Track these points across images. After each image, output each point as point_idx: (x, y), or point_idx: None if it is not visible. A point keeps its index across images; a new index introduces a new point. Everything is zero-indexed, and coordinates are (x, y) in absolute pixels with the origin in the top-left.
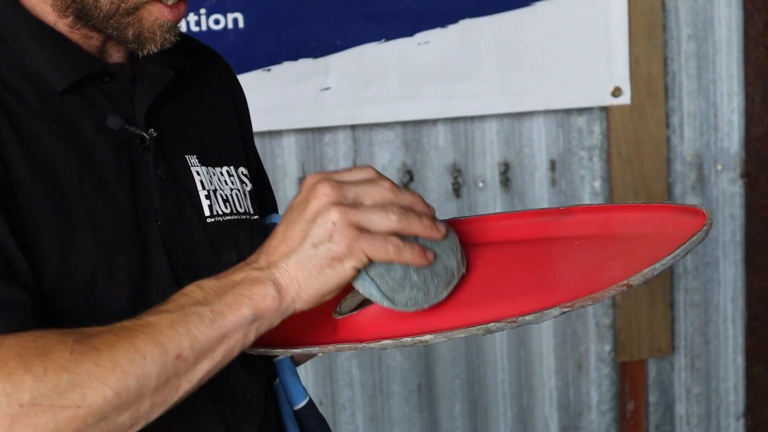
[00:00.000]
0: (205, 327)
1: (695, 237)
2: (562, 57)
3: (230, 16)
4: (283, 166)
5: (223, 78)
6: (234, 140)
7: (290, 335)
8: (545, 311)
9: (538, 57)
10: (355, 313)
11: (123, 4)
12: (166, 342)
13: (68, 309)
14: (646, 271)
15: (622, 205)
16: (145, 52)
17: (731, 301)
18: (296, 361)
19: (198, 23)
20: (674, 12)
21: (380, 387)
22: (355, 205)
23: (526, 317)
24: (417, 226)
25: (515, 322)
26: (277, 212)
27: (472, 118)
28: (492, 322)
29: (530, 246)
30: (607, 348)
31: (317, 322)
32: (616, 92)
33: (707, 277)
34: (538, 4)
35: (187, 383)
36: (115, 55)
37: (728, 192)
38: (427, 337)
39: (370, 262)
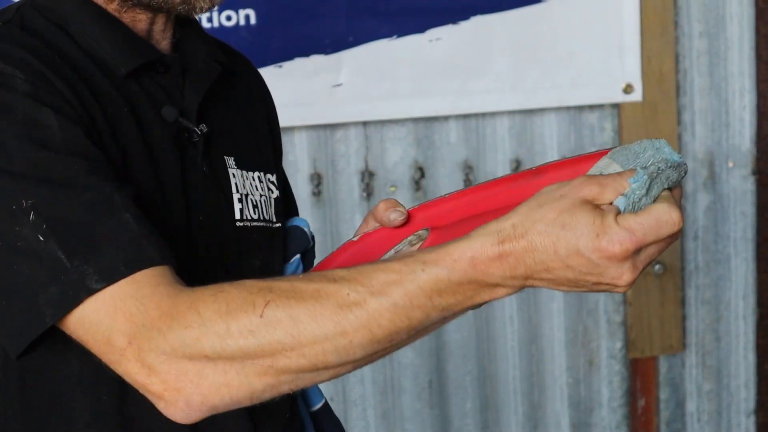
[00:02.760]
0: (429, 321)
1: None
2: (574, 54)
3: (242, 13)
4: (295, 163)
5: (256, 84)
6: (265, 146)
7: None
8: None
9: (549, 54)
10: None
11: None
12: (380, 333)
13: None
14: None
15: (590, 154)
16: (198, 12)
17: (742, 298)
18: None
19: (210, 19)
20: (686, 9)
21: (391, 383)
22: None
23: None
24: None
25: None
26: (298, 215)
27: (484, 115)
28: None
29: (509, 210)
30: (618, 345)
31: None
32: (628, 89)
33: (718, 274)
34: (550, 0)
35: (397, 349)
36: (163, 42)
37: (740, 189)
38: None
39: None
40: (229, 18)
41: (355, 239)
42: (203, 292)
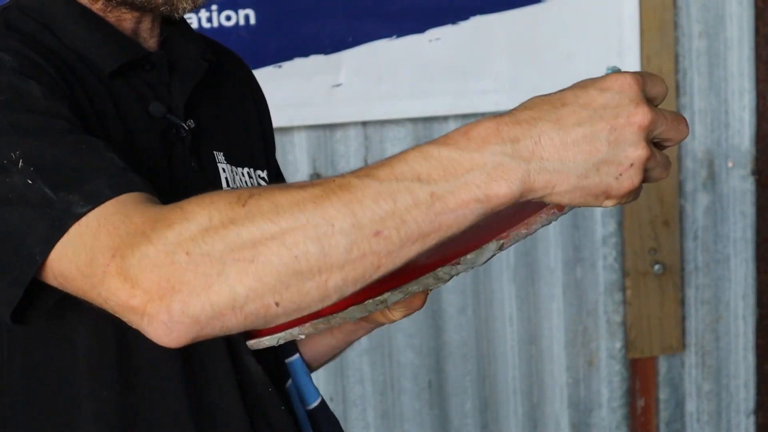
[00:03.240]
0: (418, 212)
1: None
2: (574, 54)
3: (242, 13)
4: (294, 163)
5: (247, 81)
6: (255, 142)
7: None
8: (484, 247)
9: (549, 54)
10: None
11: None
12: (364, 216)
13: None
14: None
15: None
16: (180, 13)
17: (742, 298)
18: (310, 366)
19: (210, 20)
20: (685, 9)
21: (391, 383)
22: (655, 142)
23: (467, 256)
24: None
25: (458, 263)
26: None
27: (484, 115)
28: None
29: (514, 210)
30: (618, 345)
31: None
32: None
33: (718, 274)
34: (549, 0)
35: (390, 264)
36: (150, 41)
37: (739, 189)
38: (385, 295)
39: None
40: (228, 18)
41: None
42: (191, 198)
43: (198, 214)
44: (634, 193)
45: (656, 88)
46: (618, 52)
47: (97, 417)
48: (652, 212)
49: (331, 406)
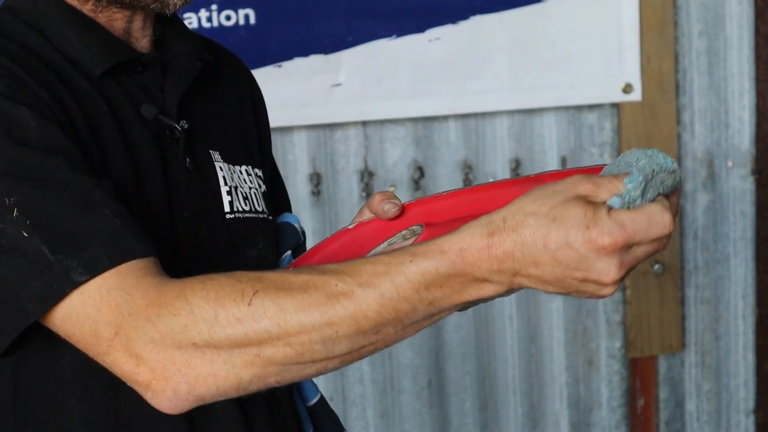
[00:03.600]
0: (415, 315)
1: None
2: (573, 53)
3: (241, 12)
4: (294, 162)
5: (243, 80)
6: (252, 142)
7: None
8: None
9: (549, 53)
10: None
11: None
12: (366, 324)
13: None
14: None
15: (591, 167)
16: (171, 9)
17: (742, 298)
18: None
19: (209, 19)
20: (685, 8)
21: (391, 383)
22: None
23: None
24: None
25: None
26: (290, 212)
27: (483, 115)
28: None
29: None
30: (618, 344)
31: None
32: (627, 89)
33: (718, 273)
34: (549, 0)
35: (386, 347)
36: (143, 40)
37: (739, 189)
38: None
39: None
40: (228, 18)
41: (350, 227)
42: (191, 281)
43: (203, 309)
44: None
45: (653, 233)
46: (618, 51)
47: (88, 420)
48: None
49: (331, 405)
